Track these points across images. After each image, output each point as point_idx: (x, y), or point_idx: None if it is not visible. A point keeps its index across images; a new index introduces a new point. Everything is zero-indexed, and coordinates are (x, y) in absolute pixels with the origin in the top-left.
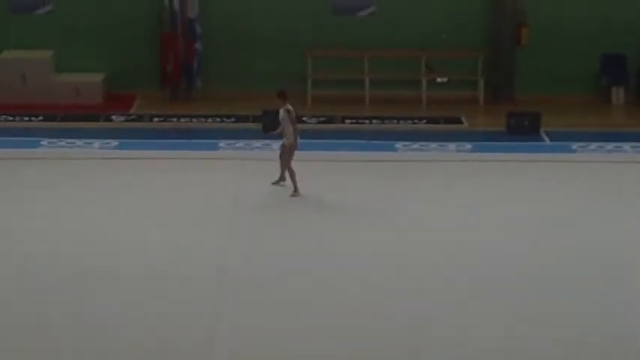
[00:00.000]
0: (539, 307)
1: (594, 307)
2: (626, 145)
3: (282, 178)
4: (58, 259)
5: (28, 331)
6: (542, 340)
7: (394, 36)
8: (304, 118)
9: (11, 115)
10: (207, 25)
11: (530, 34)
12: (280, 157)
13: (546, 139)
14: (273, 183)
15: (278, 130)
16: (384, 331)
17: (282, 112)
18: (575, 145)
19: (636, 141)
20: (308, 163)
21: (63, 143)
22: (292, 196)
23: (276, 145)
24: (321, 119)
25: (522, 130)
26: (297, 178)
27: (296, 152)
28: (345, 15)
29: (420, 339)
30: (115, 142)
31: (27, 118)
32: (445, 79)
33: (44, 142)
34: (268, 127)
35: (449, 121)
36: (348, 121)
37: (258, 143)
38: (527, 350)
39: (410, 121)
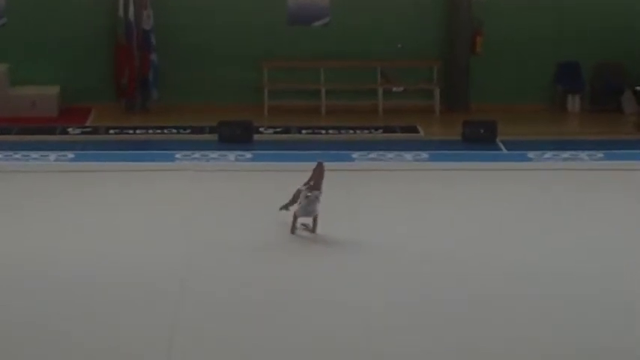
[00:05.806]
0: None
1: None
2: (582, 153)
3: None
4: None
5: None
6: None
7: (349, 46)
8: (261, 129)
9: None
10: (162, 37)
11: (485, 43)
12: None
13: (502, 147)
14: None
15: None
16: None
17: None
18: (531, 154)
19: (592, 149)
20: (265, 174)
21: (19, 156)
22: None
23: (232, 156)
24: (278, 130)
25: (478, 138)
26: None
27: (253, 164)
28: (299, 25)
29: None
30: (70, 155)
31: None
32: (401, 89)
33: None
34: (225, 137)
35: (405, 130)
36: (304, 131)
37: (214, 154)
38: None
39: (366, 131)
